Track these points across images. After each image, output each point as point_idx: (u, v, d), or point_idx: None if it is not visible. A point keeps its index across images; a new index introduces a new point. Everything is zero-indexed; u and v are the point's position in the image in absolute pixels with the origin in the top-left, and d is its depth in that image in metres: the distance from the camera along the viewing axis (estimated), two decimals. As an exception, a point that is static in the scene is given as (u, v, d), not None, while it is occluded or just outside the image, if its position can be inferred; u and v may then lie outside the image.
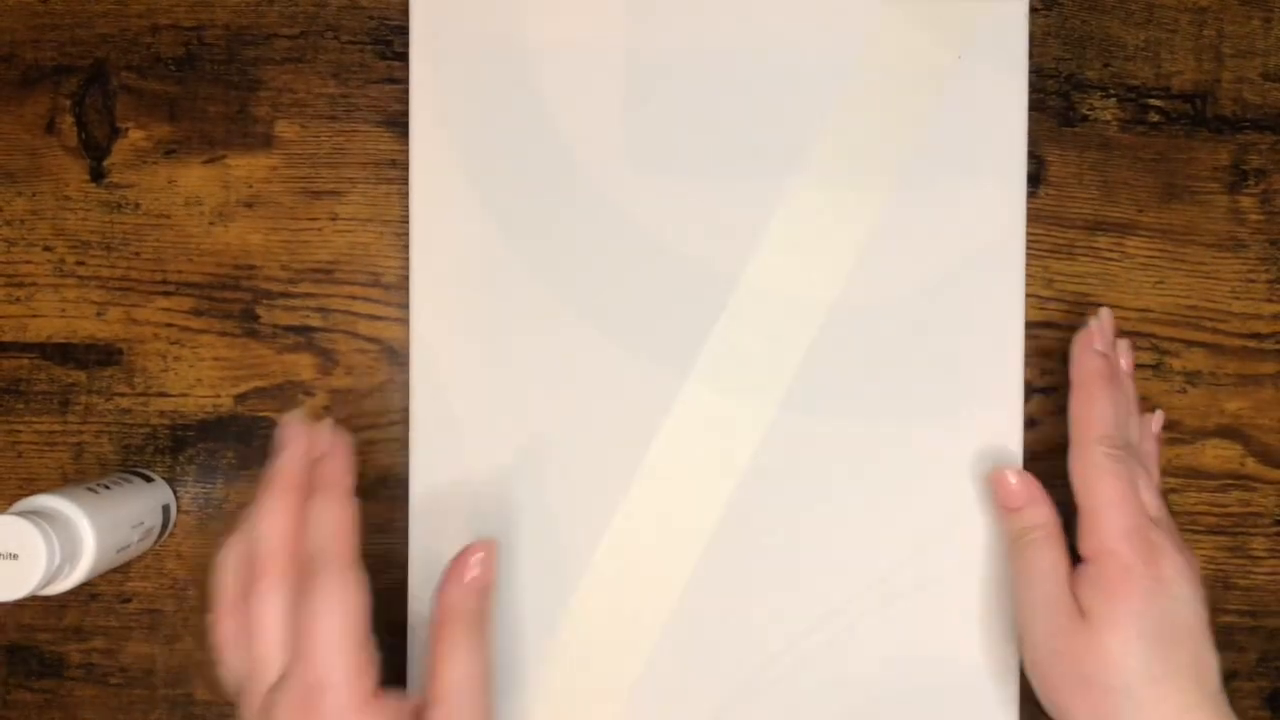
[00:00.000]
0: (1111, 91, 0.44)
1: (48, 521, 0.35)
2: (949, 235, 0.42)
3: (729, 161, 0.42)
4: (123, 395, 0.43)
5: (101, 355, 0.43)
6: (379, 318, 0.43)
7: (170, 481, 0.43)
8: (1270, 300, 0.45)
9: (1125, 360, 0.41)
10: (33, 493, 0.37)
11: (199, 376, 0.43)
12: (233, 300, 0.43)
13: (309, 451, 0.35)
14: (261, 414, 0.43)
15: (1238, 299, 0.45)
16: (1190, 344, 0.44)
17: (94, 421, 0.43)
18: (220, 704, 0.43)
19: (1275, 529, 0.45)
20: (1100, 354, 0.39)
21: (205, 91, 0.43)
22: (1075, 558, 0.37)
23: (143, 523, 0.40)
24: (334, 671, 0.31)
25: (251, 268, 0.43)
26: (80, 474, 0.43)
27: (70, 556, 0.36)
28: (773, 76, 0.42)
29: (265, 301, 0.43)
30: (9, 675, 0.43)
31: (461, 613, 0.34)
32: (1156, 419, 0.41)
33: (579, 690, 0.41)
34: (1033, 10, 0.43)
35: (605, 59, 0.41)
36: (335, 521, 0.34)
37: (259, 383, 0.43)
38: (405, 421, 0.43)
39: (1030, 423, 0.44)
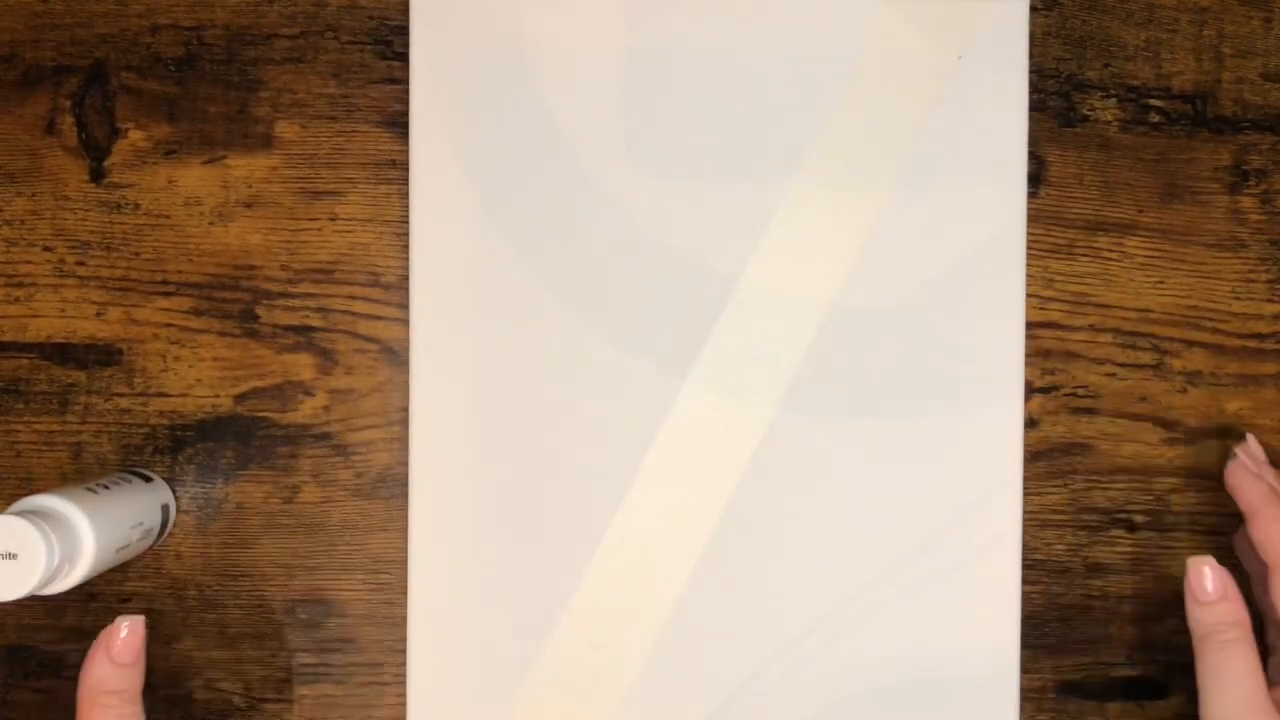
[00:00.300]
0: (1112, 92, 0.44)
1: (47, 521, 0.35)
2: (949, 235, 0.42)
3: (729, 161, 0.42)
4: (122, 395, 0.43)
5: (101, 355, 0.43)
6: (379, 318, 0.43)
7: (170, 481, 0.43)
8: (1270, 300, 0.45)
9: (1276, 479, 0.41)
10: (32, 493, 0.37)
11: (198, 376, 0.43)
12: (232, 300, 0.43)
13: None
14: (261, 414, 0.43)
15: (1238, 299, 0.45)
16: (1190, 344, 0.44)
17: (93, 421, 0.43)
18: (220, 704, 0.43)
19: None
20: (1259, 477, 0.40)
21: (205, 91, 0.43)
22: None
23: (142, 523, 0.40)
24: None
25: (251, 268, 0.43)
26: (79, 474, 0.43)
27: (69, 556, 0.35)
28: (773, 76, 0.42)
29: (265, 301, 0.43)
30: (9, 675, 0.43)
31: (106, 691, 0.34)
32: None
33: (579, 690, 0.41)
34: (1033, 10, 0.43)
35: (605, 59, 0.41)
36: None
37: (259, 383, 0.43)
38: (405, 421, 0.43)
39: (1030, 423, 0.44)
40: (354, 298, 0.43)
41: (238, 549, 0.43)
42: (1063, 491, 0.44)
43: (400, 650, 0.43)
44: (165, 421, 0.43)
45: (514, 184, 0.41)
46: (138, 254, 0.43)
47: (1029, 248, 0.42)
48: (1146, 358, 0.44)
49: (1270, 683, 0.38)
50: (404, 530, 0.42)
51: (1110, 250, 0.44)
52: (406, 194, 0.42)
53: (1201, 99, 0.44)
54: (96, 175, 0.43)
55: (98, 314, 0.43)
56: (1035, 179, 0.44)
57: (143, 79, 0.43)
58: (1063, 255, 0.44)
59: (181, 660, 0.43)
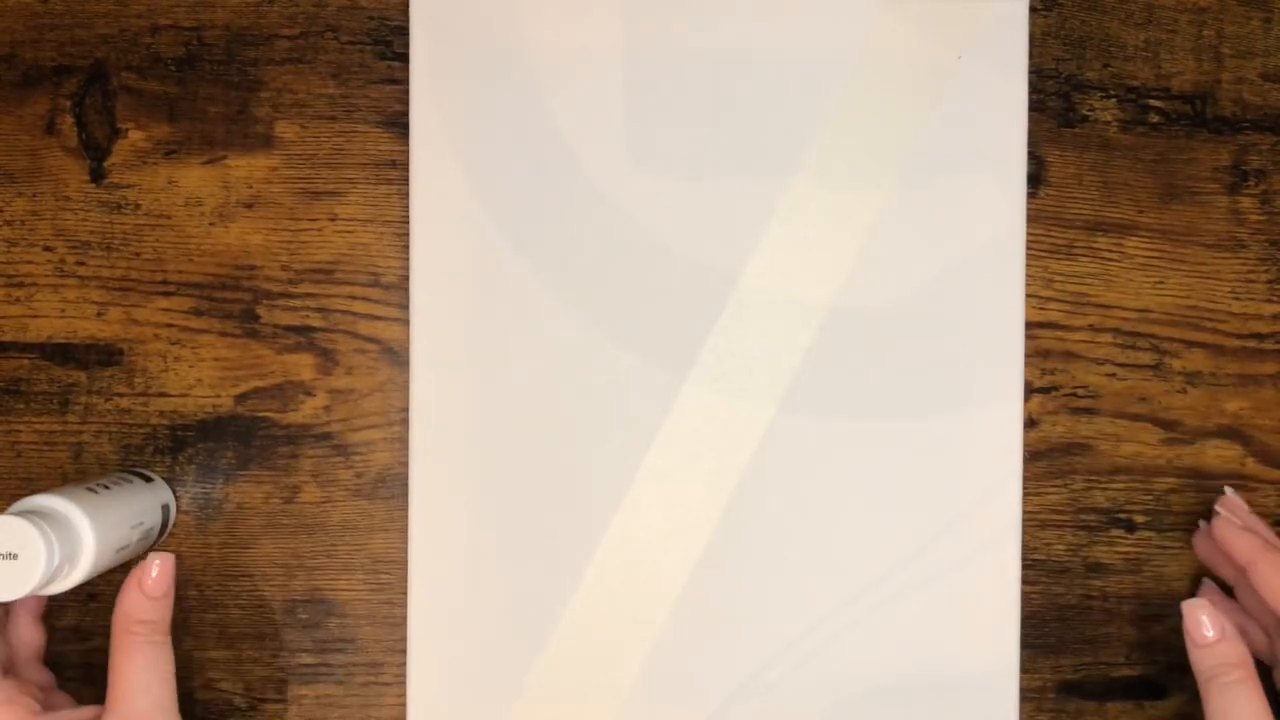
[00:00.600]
0: (1111, 92, 0.44)
1: (47, 521, 0.35)
2: (949, 235, 0.42)
3: (729, 161, 0.42)
4: (122, 395, 0.43)
5: (101, 355, 0.43)
6: (379, 318, 0.43)
7: (170, 482, 0.43)
8: (1270, 300, 0.45)
9: (1264, 527, 0.41)
10: (32, 493, 0.37)
11: (199, 377, 0.43)
12: (233, 300, 0.43)
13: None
14: (261, 414, 0.43)
15: (1238, 299, 0.45)
16: (1190, 344, 0.44)
17: (94, 422, 0.43)
18: (220, 704, 0.43)
19: (1276, 529, 0.45)
20: (1246, 529, 0.40)
21: (205, 92, 0.43)
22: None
23: (142, 522, 0.40)
24: None
25: (252, 268, 0.43)
26: (80, 474, 0.43)
27: (70, 556, 0.35)
28: (773, 76, 0.42)
29: (265, 302, 0.43)
30: (8, 675, 0.43)
31: (139, 620, 0.37)
32: None
33: (579, 690, 0.41)
34: (1033, 10, 0.43)
35: (605, 59, 0.41)
36: None
37: (259, 383, 0.43)
38: (405, 421, 0.43)
39: (1030, 423, 0.44)
40: (354, 298, 0.43)
41: (238, 549, 0.43)
42: (1062, 491, 0.44)
43: (400, 650, 0.43)
44: (166, 421, 0.43)
45: (514, 184, 0.41)
46: (138, 254, 0.43)
47: (1029, 248, 0.43)
48: (1146, 358, 0.44)
49: None
50: (404, 530, 0.42)
51: (1110, 250, 0.44)
52: (406, 194, 0.42)
53: (1201, 99, 0.45)
54: (97, 175, 0.43)
55: (98, 314, 0.43)
56: (1035, 179, 0.44)
57: (143, 79, 0.43)
58: (1062, 255, 0.44)
59: (181, 660, 0.43)
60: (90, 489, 0.38)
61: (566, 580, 0.41)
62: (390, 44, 0.43)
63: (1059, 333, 0.44)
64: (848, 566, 0.42)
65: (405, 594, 0.42)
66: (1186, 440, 0.45)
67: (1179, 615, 0.39)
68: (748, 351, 0.42)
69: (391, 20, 0.43)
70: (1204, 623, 0.38)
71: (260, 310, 0.43)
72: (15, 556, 0.34)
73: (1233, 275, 0.45)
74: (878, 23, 0.42)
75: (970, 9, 0.42)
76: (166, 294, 0.43)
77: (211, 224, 0.43)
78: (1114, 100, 0.44)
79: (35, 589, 0.34)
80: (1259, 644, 0.41)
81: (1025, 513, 0.43)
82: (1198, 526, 0.43)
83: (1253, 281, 0.45)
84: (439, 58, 0.41)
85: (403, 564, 0.42)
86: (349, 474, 0.43)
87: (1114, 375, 0.44)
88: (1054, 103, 0.44)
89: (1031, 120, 0.43)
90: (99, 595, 0.43)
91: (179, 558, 0.43)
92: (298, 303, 0.43)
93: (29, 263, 0.43)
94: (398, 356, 0.43)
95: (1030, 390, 0.44)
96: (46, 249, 0.43)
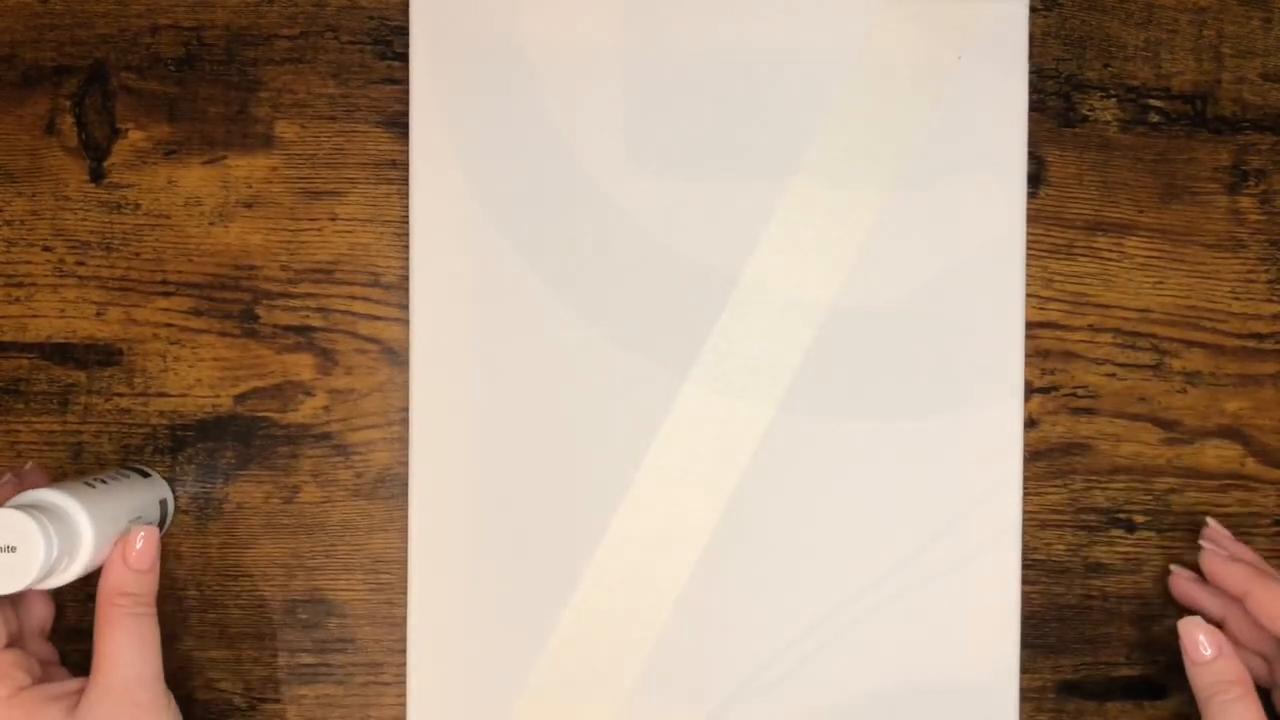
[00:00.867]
0: (1111, 92, 0.44)
1: (45, 515, 0.35)
2: (949, 235, 0.42)
3: (729, 161, 0.42)
4: (122, 395, 0.43)
5: (101, 355, 0.43)
6: (379, 318, 0.43)
7: (170, 482, 0.43)
8: (1270, 300, 0.45)
9: (1250, 554, 0.41)
10: (32, 492, 0.37)
11: (198, 377, 0.43)
12: (232, 300, 0.43)
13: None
14: (261, 414, 0.43)
15: (1238, 299, 0.45)
16: (1190, 344, 0.44)
17: (93, 422, 0.43)
18: (220, 704, 0.43)
19: (1275, 529, 0.45)
20: (1234, 558, 0.40)
21: (205, 92, 0.43)
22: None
23: (140, 516, 0.40)
24: None
25: (251, 268, 0.43)
26: (80, 474, 0.43)
27: (68, 550, 0.35)
28: (773, 76, 0.42)
29: (265, 302, 0.43)
30: (8, 675, 0.43)
31: (123, 592, 0.37)
32: None
33: (579, 690, 0.41)
34: (1033, 10, 0.43)
35: (605, 59, 0.41)
36: None
37: (258, 383, 0.43)
38: (405, 421, 0.43)
39: (1030, 423, 0.44)
40: (354, 298, 0.43)
41: (238, 549, 0.43)
42: (1062, 491, 0.44)
43: (400, 650, 0.43)
44: (165, 421, 0.43)
45: (514, 184, 0.41)
46: (138, 254, 0.43)
47: (1029, 248, 0.43)
48: (1146, 358, 0.44)
49: None
50: (404, 530, 0.42)
51: (1110, 250, 0.44)
52: (406, 194, 0.42)
53: (1201, 99, 0.45)
54: (96, 175, 0.43)
55: (98, 314, 0.43)
56: (1035, 179, 0.44)
57: (143, 79, 0.43)
58: (1062, 255, 0.44)
59: (181, 660, 0.43)
60: (88, 483, 0.38)
61: (566, 580, 0.41)
62: (390, 44, 0.43)
63: (1059, 333, 0.44)
64: (848, 566, 0.42)
65: (405, 594, 0.42)
66: (1186, 440, 0.45)
67: (1178, 617, 0.39)
68: (748, 351, 0.42)
69: (391, 20, 0.43)
70: (1201, 641, 0.38)
71: (260, 310, 0.43)
72: (13, 550, 0.34)
73: (1233, 275, 0.45)
74: (878, 23, 0.42)
75: (970, 9, 0.42)
76: (166, 294, 0.43)
77: (211, 224, 0.43)
78: (1114, 100, 0.44)
79: (34, 582, 0.34)
80: (1257, 670, 0.41)
81: (1025, 513, 0.43)
82: (1169, 572, 0.43)
83: (1253, 281, 0.45)
84: (439, 58, 0.41)
85: (403, 564, 0.42)
86: (349, 474, 0.43)
87: (1114, 375, 0.44)
88: (1054, 103, 0.44)
89: (1031, 120, 0.43)
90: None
91: (179, 557, 0.43)
92: (297, 303, 0.43)
93: (28, 263, 0.43)
94: (398, 356, 0.43)
95: (1030, 390, 0.44)
96: (46, 249, 0.43)
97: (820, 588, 0.41)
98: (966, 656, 0.41)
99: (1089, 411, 0.44)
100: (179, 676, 0.43)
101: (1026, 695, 0.44)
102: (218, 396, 0.43)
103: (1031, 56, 0.43)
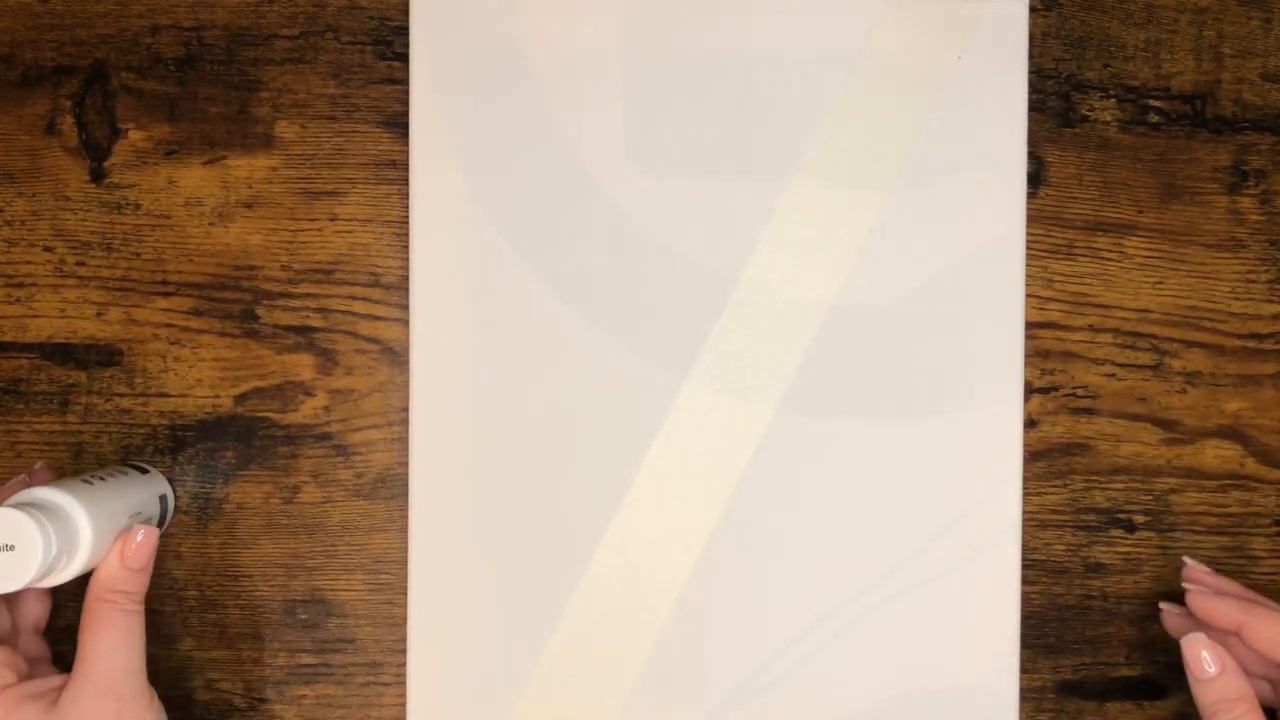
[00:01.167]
0: (1111, 92, 0.44)
1: (44, 513, 0.35)
2: (949, 235, 0.42)
3: (729, 161, 0.42)
4: (122, 396, 0.43)
5: (101, 356, 0.43)
6: (379, 318, 0.43)
7: (170, 482, 0.43)
8: (1270, 300, 0.45)
9: (1234, 586, 0.41)
10: (32, 493, 0.37)
11: (199, 377, 0.43)
12: (233, 301, 0.43)
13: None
14: (261, 414, 0.43)
15: (1237, 299, 0.45)
16: (1190, 344, 0.44)
17: (94, 422, 0.43)
18: (220, 704, 0.43)
19: (1275, 529, 0.45)
20: (1220, 594, 0.40)
21: (205, 92, 0.43)
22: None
23: (140, 513, 0.39)
24: None
25: (251, 268, 0.43)
26: (80, 474, 0.43)
27: (67, 548, 0.35)
28: (773, 76, 0.42)
29: (265, 302, 0.43)
30: (8, 675, 0.43)
31: (115, 589, 0.37)
32: None
33: (579, 690, 0.41)
34: (1033, 10, 0.43)
35: (605, 59, 0.41)
36: None
37: (259, 383, 0.43)
38: (405, 421, 0.43)
39: (1030, 423, 0.44)
40: (354, 298, 0.43)
41: (238, 549, 0.43)
42: (1062, 492, 0.44)
43: (400, 650, 0.43)
44: (165, 422, 0.43)
45: (514, 184, 0.41)
46: (138, 254, 0.43)
47: (1029, 248, 0.43)
48: (1146, 358, 0.44)
49: None
50: (404, 530, 0.42)
51: (1109, 250, 0.44)
52: (406, 194, 0.42)
53: (1201, 99, 0.45)
54: (97, 175, 0.43)
55: (98, 314, 0.43)
56: (1035, 179, 0.44)
57: (143, 79, 0.43)
58: (1062, 255, 0.44)
59: (181, 660, 0.43)
60: (86, 481, 0.38)
61: (566, 580, 0.41)
62: (390, 44, 0.43)
63: (1059, 333, 0.44)
64: (848, 566, 0.42)
65: (405, 594, 0.42)
66: (1186, 440, 0.45)
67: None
68: (748, 351, 0.42)
69: (391, 20, 0.43)
70: (1205, 658, 0.38)
71: (260, 310, 0.43)
72: (12, 548, 0.34)
73: (1232, 275, 0.45)
74: (878, 23, 0.42)
75: (970, 9, 0.42)
76: (166, 294, 0.43)
77: (211, 224, 0.43)
78: (1114, 100, 0.44)
79: (33, 581, 0.34)
80: (1264, 694, 0.40)
81: (1025, 513, 0.43)
82: (1159, 609, 0.42)
83: (1253, 281, 0.45)
84: (439, 58, 0.41)
85: (403, 564, 0.42)
86: (349, 474, 0.43)
87: (1114, 375, 0.44)
88: (1054, 103, 0.44)
89: (1031, 120, 0.43)
90: (99, 595, 0.43)
91: (179, 557, 0.43)
92: (297, 303, 0.43)
93: (29, 263, 0.43)
94: (398, 356, 0.43)
95: (1030, 390, 0.44)
96: (46, 249, 0.43)
97: (820, 587, 0.41)
98: (966, 656, 0.41)
99: (1089, 412, 0.44)
100: (179, 676, 0.43)
101: (1026, 695, 0.44)
102: (218, 397, 0.43)
103: (1031, 56, 0.43)
